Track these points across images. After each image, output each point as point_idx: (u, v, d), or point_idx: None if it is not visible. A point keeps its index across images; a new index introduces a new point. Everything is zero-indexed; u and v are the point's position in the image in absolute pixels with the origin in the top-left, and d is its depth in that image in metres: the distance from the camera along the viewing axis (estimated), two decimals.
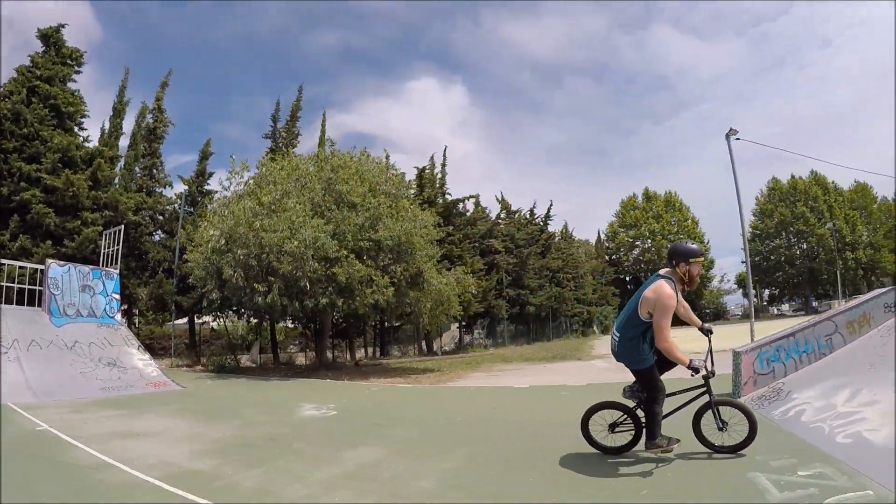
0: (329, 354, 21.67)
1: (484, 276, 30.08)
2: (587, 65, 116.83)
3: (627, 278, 58.57)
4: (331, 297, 14.56)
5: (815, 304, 51.82)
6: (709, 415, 4.20)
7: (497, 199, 40.35)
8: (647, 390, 4.12)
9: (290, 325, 27.35)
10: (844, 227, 52.86)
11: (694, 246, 4.18)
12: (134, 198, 22.15)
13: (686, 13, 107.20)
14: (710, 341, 4.27)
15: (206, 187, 25.18)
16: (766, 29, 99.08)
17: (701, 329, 4.33)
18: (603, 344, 25.47)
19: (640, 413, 4.27)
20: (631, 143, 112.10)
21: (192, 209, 24.24)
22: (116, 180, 22.51)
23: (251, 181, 17.37)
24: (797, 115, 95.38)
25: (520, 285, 34.76)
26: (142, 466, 4.65)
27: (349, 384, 13.04)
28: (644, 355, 4.09)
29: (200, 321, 24.99)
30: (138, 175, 23.81)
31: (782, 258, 55.92)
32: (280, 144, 26.27)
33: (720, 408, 4.17)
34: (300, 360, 23.50)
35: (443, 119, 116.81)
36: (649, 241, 57.09)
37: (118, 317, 14.18)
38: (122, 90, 24.00)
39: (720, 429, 4.14)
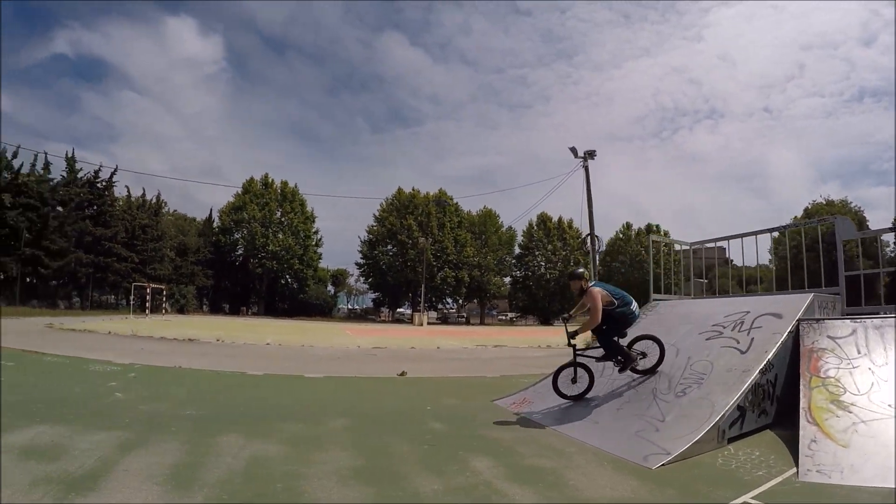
0: None
1: None
2: (312, 48, 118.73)
3: (238, 261, 59.71)
4: None
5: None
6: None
7: (66, 157, 38.01)
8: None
9: None
10: (451, 246, 57.80)
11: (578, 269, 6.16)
12: None
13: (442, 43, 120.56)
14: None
15: None
16: (525, 73, 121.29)
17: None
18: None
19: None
20: (358, 139, 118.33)
21: None
22: None
23: None
24: (524, 151, 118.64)
25: (39, 246, 32.37)
26: None
27: None
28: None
29: None
30: None
31: (384, 265, 59.20)
32: None
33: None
34: None
35: (191, 66, 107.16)
36: (248, 227, 57.92)
37: None
38: None
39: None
